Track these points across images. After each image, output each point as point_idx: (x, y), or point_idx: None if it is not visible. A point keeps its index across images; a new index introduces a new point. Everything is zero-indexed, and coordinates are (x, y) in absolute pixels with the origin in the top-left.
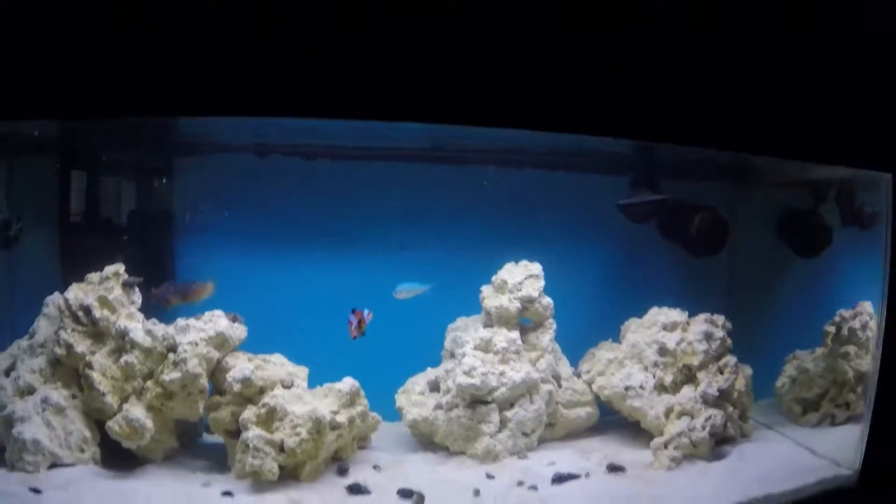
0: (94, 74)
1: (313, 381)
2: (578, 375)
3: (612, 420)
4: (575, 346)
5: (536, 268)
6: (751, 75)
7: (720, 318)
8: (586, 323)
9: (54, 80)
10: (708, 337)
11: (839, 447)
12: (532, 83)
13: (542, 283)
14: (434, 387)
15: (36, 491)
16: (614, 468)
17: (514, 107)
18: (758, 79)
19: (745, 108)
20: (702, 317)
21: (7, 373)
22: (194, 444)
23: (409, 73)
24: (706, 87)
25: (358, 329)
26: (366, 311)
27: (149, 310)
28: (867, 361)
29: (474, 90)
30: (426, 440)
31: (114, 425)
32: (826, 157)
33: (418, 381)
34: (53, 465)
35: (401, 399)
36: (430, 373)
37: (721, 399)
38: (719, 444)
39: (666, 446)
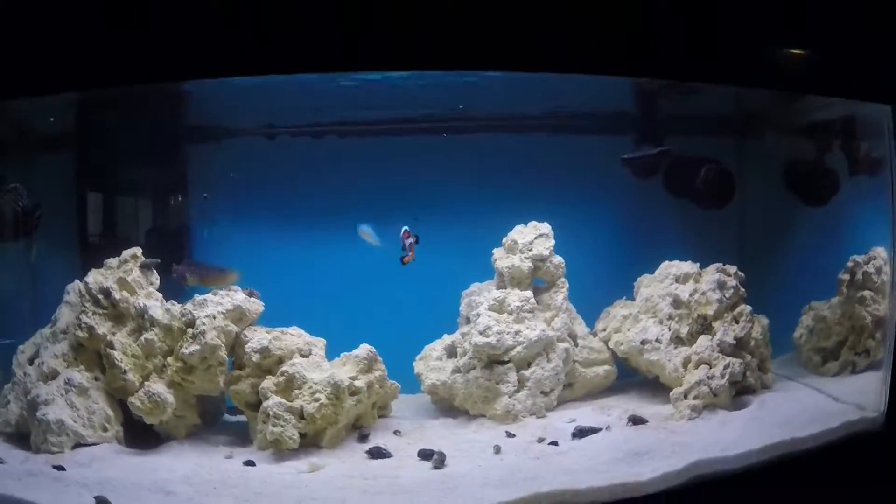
0: (104, 42)
1: (331, 356)
2: (595, 335)
3: (631, 381)
4: (590, 307)
5: (546, 227)
6: (749, 8)
7: (732, 268)
8: (601, 284)
9: (62, 53)
10: (721, 286)
11: (862, 393)
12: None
13: (552, 241)
14: (451, 352)
15: (60, 468)
16: (636, 420)
17: (515, 50)
18: (756, 11)
19: (743, 41)
20: (713, 267)
21: (31, 360)
22: (217, 422)
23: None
24: (704, 21)
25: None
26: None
27: (167, 291)
28: (884, 306)
29: (479, 33)
30: (446, 405)
31: (135, 401)
32: (825, 89)
33: (435, 347)
34: (78, 445)
35: (419, 366)
36: (447, 339)
37: (738, 348)
38: (740, 394)
39: (686, 396)
